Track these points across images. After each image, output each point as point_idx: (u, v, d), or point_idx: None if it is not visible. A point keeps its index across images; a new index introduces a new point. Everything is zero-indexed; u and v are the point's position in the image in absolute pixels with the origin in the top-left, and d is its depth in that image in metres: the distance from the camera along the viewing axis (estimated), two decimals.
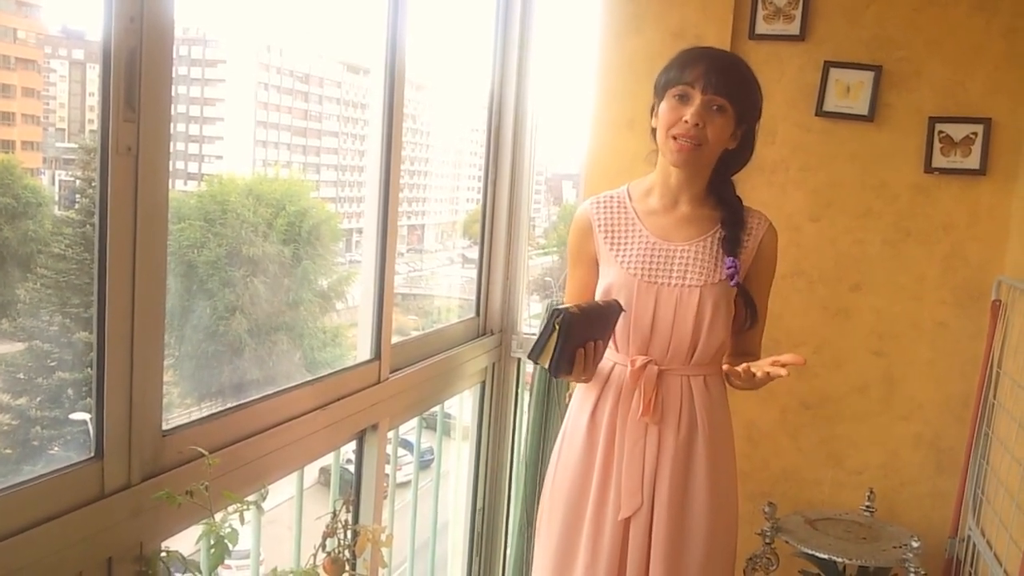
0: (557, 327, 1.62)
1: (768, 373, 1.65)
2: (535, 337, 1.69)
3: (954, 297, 2.49)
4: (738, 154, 1.84)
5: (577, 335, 1.66)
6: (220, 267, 2.84)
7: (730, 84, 1.74)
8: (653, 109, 1.84)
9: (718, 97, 1.72)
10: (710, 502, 1.81)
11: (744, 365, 1.69)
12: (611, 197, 1.91)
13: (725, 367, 1.71)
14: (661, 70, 1.81)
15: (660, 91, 1.79)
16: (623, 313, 1.78)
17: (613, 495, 1.81)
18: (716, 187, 1.86)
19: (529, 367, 2.81)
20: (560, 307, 1.64)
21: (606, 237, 1.87)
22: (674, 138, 1.73)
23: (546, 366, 1.66)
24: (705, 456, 1.81)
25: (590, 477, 1.85)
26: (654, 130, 1.83)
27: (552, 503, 1.91)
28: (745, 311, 1.86)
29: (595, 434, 1.85)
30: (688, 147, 1.73)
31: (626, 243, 1.85)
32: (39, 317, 2.20)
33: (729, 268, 1.79)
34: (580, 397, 1.91)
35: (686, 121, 1.71)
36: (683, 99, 1.74)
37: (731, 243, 1.81)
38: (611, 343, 1.86)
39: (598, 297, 1.85)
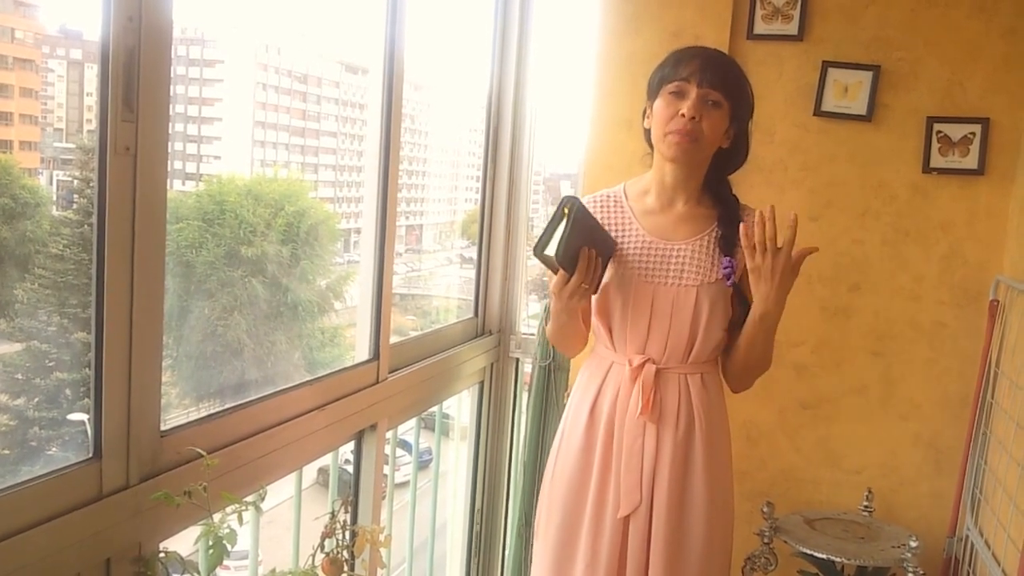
0: (567, 213, 1.62)
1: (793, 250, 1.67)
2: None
3: (952, 297, 2.49)
4: (732, 154, 1.85)
5: (582, 231, 1.66)
6: (218, 267, 2.84)
7: (725, 79, 1.76)
8: (645, 111, 1.85)
9: (713, 91, 1.73)
10: (708, 499, 1.81)
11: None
12: (607, 196, 1.92)
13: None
14: (654, 70, 1.82)
15: (654, 89, 1.80)
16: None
17: (612, 493, 1.81)
18: (712, 186, 1.86)
19: (527, 367, 2.81)
20: (570, 196, 1.64)
21: None
22: (671, 133, 1.74)
23: (552, 254, 1.65)
24: (703, 454, 1.81)
25: (589, 476, 1.85)
26: (647, 131, 1.84)
27: (551, 502, 1.91)
28: (741, 312, 1.86)
29: (593, 433, 1.85)
30: (686, 141, 1.73)
31: (623, 242, 1.85)
32: (37, 317, 2.20)
33: (725, 268, 1.79)
34: (578, 395, 1.92)
35: (683, 115, 1.72)
36: (678, 95, 1.74)
37: (728, 242, 1.81)
38: (608, 342, 1.86)
39: (594, 299, 1.86)
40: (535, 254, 1.70)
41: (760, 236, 1.67)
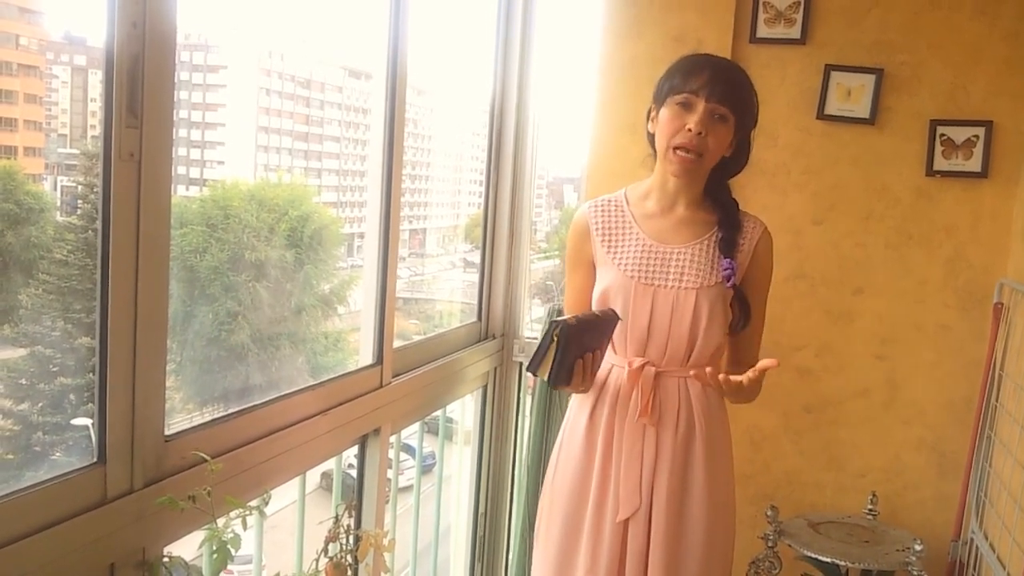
0: (556, 338, 1.62)
1: (751, 377, 1.66)
2: (535, 346, 1.68)
3: (956, 300, 2.48)
4: (734, 160, 1.85)
5: (575, 346, 1.66)
6: (222, 272, 2.85)
7: (733, 93, 1.75)
8: (650, 114, 1.85)
9: (721, 106, 1.73)
10: (708, 503, 1.81)
11: (722, 376, 1.68)
12: (608, 200, 1.92)
13: (713, 373, 1.71)
14: (662, 76, 1.82)
15: (662, 98, 1.80)
16: (620, 322, 1.79)
17: (612, 497, 1.81)
18: (712, 190, 1.86)
19: None
20: (558, 319, 1.64)
21: (603, 240, 1.87)
22: (675, 149, 1.74)
23: (545, 378, 1.66)
24: (703, 457, 1.81)
25: (589, 479, 1.85)
26: (651, 135, 1.84)
27: (551, 505, 1.91)
28: (740, 314, 1.85)
29: (593, 436, 1.85)
30: (690, 159, 1.74)
31: (623, 246, 1.85)
32: (41, 323, 2.21)
33: (726, 270, 1.79)
34: (578, 400, 1.91)
35: (689, 129, 1.72)
36: (685, 106, 1.74)
37: (728, 244, 1.82)
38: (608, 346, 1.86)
39: (594, 300, 1.86)
40: (529, 371, 1.70)
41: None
